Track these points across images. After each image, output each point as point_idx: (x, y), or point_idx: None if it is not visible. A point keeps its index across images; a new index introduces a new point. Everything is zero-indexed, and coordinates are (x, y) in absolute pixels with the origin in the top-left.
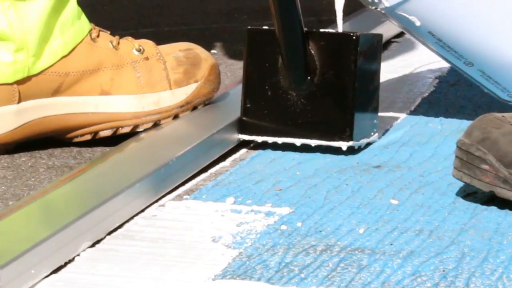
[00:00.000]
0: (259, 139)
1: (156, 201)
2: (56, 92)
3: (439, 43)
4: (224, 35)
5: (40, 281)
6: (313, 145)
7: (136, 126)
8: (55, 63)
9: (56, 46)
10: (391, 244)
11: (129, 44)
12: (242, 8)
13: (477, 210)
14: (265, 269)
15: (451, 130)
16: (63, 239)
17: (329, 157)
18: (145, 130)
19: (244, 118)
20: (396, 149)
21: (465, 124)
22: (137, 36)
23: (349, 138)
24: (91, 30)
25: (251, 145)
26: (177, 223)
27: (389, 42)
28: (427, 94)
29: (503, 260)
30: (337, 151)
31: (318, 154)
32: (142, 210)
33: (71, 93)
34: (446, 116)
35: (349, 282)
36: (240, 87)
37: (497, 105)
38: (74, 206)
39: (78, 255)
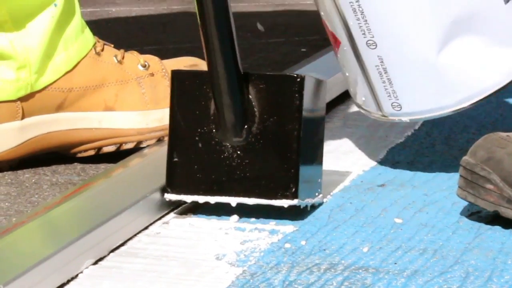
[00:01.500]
0: (188, 198)
1: (160, 218)
2: (59, 107)
3: (353, 4)
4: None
5: None
6: (251, 204)
7: (140, 142)
8: (58, 78)
9: (59, 62)
10: (395, 263)
11: (134, 59)
12: (246, 25)
13: (481, 230)
14: (269, 287)
15: (455, 149)
16: (66, 257)
17: (332, 176)
18: (149, 146)
19: (170, 174)
20: (400, 168)
21: (469, 143)
22: (142, 53)
23: (294, 195)
24: (95, 44)
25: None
26: (181, 240)
27: None
28: None
29: (508, 280)
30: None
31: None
32: (146, 228)
33: (75, 109)
34: (450, 135)
35: None
36: None
37: (501, 124)
38: (78, 223)
39: (81, 272)
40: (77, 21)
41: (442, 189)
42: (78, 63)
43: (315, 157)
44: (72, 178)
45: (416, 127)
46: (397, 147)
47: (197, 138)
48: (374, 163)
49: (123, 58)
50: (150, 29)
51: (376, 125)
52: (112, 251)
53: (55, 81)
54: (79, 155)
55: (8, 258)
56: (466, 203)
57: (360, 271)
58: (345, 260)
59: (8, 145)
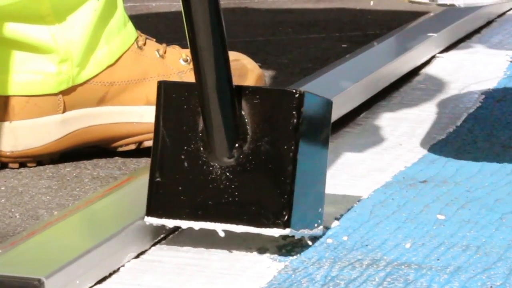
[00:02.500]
0: (170, 223)
1: None
2: (101, 101)
3: None
4: (268, 48)
5: None
6: (238, 231)
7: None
8: (100, 72)
9: (101, 56)
10: (438, 259)
11: (176, 54)
12: (287, 21)
13: None
14: (310, 282)
15: (498, 146)
16: (108, 250)
17: (374, 172)
18: None
19: (152, 195)
20: (442, 164)
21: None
22: (183, 48)
23: (286, 224)
24: (137, 38)
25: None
26: (223, 233)
27: (434, 57)
28: (473, 109)
29: None
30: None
31: (364, 168)
32: None
33: (116, 103)
34: (492, 132)
35: None
36: None
37: None
38: (119, 217)
39: (123, 265)
40: (120, 14)
41: (485, 185)
42: (120, 57)
43: (315, 182)
44: (113, 172)
45: (458, 124)
46: (439, 144)
47: (182, 157)
48: (415, 159)
49: (165, 52)
50: None
51: (418, 121)
52: (154, 244)
53: (97, 75)
54: (120, 149)
55: (50, 251)
56: (509, 200)
57: (403, 267)
58: (387, 256)
59: (49, 139)
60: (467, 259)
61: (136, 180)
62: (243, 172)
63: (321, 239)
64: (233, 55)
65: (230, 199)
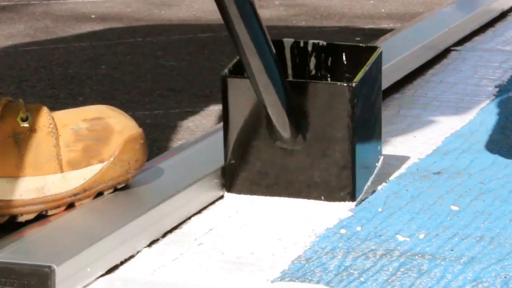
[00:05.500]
0: (246, 197)
1: (213, 202)
2: None
3: None
4: None
5: (96, 279)
6: (307, 205)
7: (14, 217)
8: None
9: None
10: (452, 250)
11: (15, 110)
12: (300, 13)
13: None
14: (324, 272)
15: None
16: (119, 238)
17: (388, 163)
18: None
19: (228, 175)
20: (456, 156)
21: None
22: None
23: (350, 197)
24: None
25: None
26: (235, 223)
27: (448, 50)
28: (487, 102)
29: None
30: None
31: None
32: (199, 211)
33: None
34: (506, 125)
35: (409, 287)
36: None
37: None
38: (131, 206)
39: (135, 254)
40: None
41: (499, 177)
42: None
43: (372, 139)
44: None
45: (472, 116)
46: (453, 136)
47: (251, 141)
48: (429, 151)
49: (1, 108)
50: (204, 16)
51: (431, 113)
52: (168, 233)
53: None
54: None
55: (61, 239)
56: None
57: (416, 257)
58: (401, 246)
59: None
60: (481, 250)
61: (148, 171)
62: (306, 154)
63: (335, 229)
64: (97, 111)
65: (298, 177)
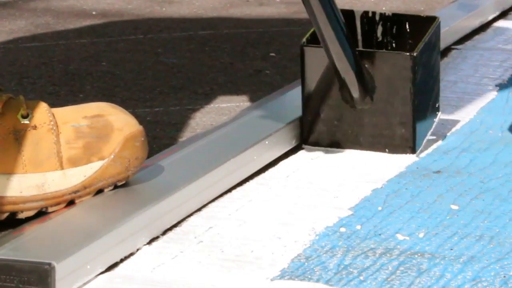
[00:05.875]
0: (321, 149)
1: (214, 200)
2: None
3: None
4: (282, 38)
5: (96, 277)
6: (374, 157)
7: (14, 214)
8: None
9: None
10: (451, 249)
11: (16, 107)
12: (301, 11)
13: None
14: (323, 270)
15: (511, 137)
16: (119, 236)
17: (388, 162)
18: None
19: (306, 131)
20: (456, 155)
21: None
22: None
23: (411, 150)
24: None
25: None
26: (235, 222)
27: (449, 49)
28: (487, 101)
29: None
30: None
31: (377, 158)
32: (199, 209)
33: None
34: (506, 123)
35: (409, 286)
36: (288, 94)
37: None
38: (131, 203)
39: (135, 252)
40: None
41: (498, 176)
42: None
43: (431, 98)
44: None
45: (472, 115)
46: (453, 134)
47: (325, 102)
48: (429, 150)
49: (2, 105)
50: (205, 14)
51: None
52: (167, 230)
53: None
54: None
55: (61, 237)
56: None
57: (416, 256)
58: (401, 245)
59: None
60: (481, 249)
61: (148, 168)
62: (374, 114)
63: (334, 228)
64: (98, 109)
65: (364, 132)
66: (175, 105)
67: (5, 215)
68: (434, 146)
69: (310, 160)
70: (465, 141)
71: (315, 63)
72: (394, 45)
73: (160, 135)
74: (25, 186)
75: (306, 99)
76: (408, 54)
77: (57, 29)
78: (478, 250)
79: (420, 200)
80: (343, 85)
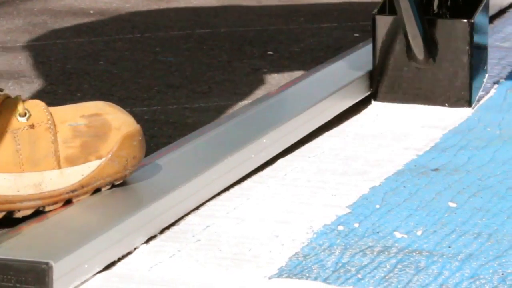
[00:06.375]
0: (390, 105)
1: (211, 199)
2: None
3: None
4: (280, 36)
5: (93, 276)
6: (435, 110)
7: (11, 213)
8: None
9: None
10: (449, 247)
11: (13, 106)
12: (299, 10)
13: None
14: (321, 269)
15: (509, 135)
16: (117, 235)
17: (386, 159)
18: None
19: (376, 87)
20: (454, 152)
21: None
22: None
23: (468, 104)
24: None
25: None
26: (232, 220)
27: None
28: (485, 99)
29: None
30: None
31: (375, 157)
32: (197, 208)
33: None
34: (504, 121)
35: (407, 283)
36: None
37: None
38: (129, 202)
39: (133, 251)
40: None
41: (496, 174)
42: None
43: (482, 62)
44: None
45: (470, 113)
46: (451, 132)
47: (394, 63)
48: (427, 148)
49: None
50: (203, 13)
51: (429, 110)
52: (165, 229)
53: None
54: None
55: (58, 236)
56: None
57: (414, 254)
58: (399, 243)
59: None
60: (479, 247)
61: (146, 167)
62: (435, 71)
63: (332, 226)
64: (95, 107)
65: (427, 89)
66: (173, 104)
67: (2, 214)
68: (432, 144)
69: (307, 158)
70: (463, 139)
71: (384, 29)
72: (447, 15)
73: (158, 133)
74: (22, 185)
75: (377, 60)
76: (466, 20)
77: (55, 28)
78: (476, 248)
79: (418, 198)
80: (410, 48)
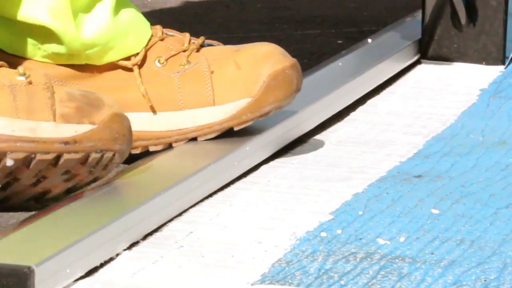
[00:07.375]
0: (436, 63)
1: (195, 205)
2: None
3: None
4: None
5: (76, 281)
6: (473, 68)
7: (3, 154)
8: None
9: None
10: (432, 253)
11: (13, 68)
12: (282, 17)
13: None
14: (304, 275)
15: (493, 141)
16: (99, 240)
17: (369, 166)
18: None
19: (424, 48)
20: (437, 159)
21: (506, 136)
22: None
23: (502, 62)
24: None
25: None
26: (216, 226)
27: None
28: (468, 105)
29: None
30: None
31: (358, 163)
32: (180, 214)
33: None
34: (487, 128)
35: None
36: None
37: None
38: (111, 207)
39: (115, 256)
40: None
41: (479, 181)
42: None
43: None
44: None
45: (453, 119)
46: (434, 139)
47: (440, 27)
48: (410, 154)
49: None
50: (186, 19)
51: (413, 117)
52: (148, 235)
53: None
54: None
55: (40, 240)
56: (504, 195)
57: (397, 260)
58: (382, 250)
59: None
60: (461, 253)
61: (129, 172)
62: (475, 34)
63: (315, 232)
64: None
65: (467, 49)
66: None
67: None
68: (415, 150)
69: (290, 164)
70: (446, 146)
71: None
72: None
73: None
74: (17, 127)
75: (426, 23)
76: None
77: None
78: (459, 254)
79: (401, 204)
80: (454, 13)
